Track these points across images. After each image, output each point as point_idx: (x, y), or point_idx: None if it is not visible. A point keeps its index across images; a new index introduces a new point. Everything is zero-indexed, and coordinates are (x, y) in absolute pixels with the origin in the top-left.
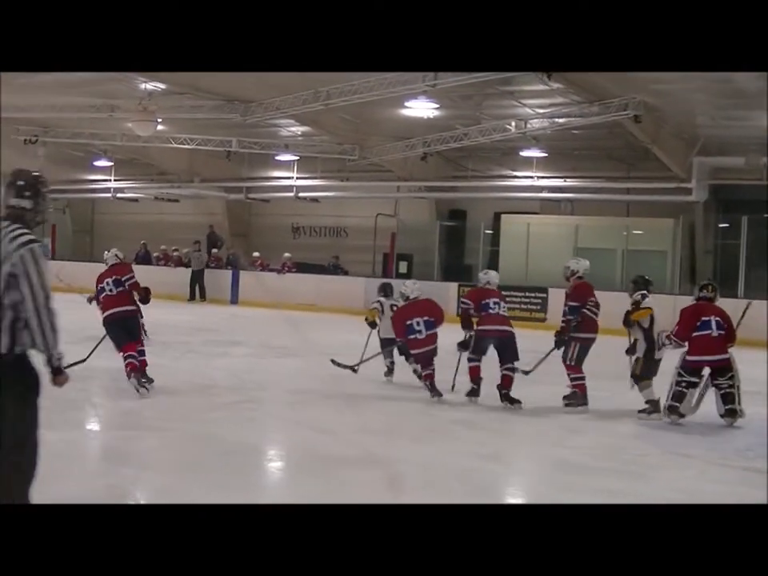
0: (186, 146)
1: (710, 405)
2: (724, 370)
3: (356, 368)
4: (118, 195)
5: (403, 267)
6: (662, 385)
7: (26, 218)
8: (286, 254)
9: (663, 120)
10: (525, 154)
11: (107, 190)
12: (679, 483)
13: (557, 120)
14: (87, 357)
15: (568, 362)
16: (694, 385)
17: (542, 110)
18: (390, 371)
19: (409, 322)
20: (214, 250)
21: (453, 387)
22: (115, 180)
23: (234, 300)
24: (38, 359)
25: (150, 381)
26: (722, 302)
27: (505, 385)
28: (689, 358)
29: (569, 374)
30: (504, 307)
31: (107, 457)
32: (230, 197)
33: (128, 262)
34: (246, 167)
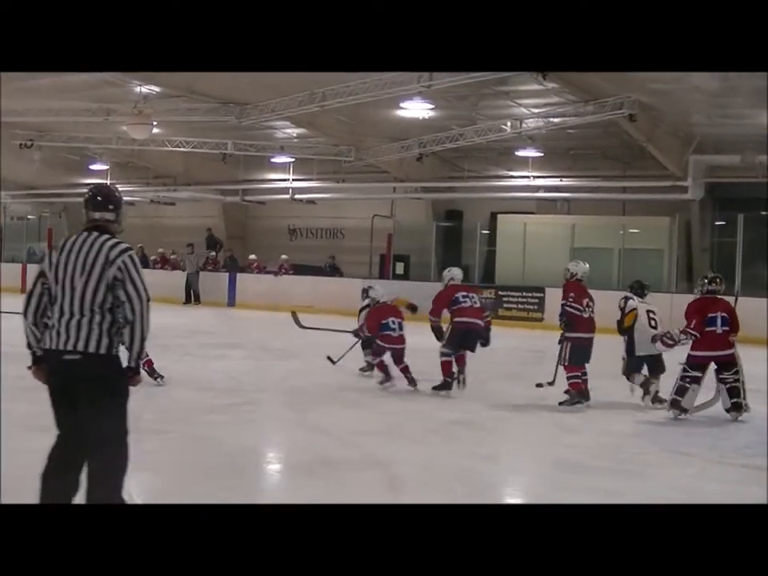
0: (182, 149)
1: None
2: (729, 365)
3: (336, 361)
4: None
5: (400, 268)
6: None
7: (110, 228)
8: (283, 256)
9: (659, 119)
10: (521, 153)
11: None
12: (679, 482)
13: (552, 120)
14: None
15: (562, 362)
16: (698, 380)
17: (537, 110)
18: (369, 368)
19: (384, 321)
20: (212, 253)
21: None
22: (111, 183)
23: (232, 302)
24: None
25: (161, 376)
26: None
27: (460, 364)
28: (694, 353)
29: (566, 373)
30: (475, 299)
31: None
32: (227, 199)
33: None
34: (241, 169)
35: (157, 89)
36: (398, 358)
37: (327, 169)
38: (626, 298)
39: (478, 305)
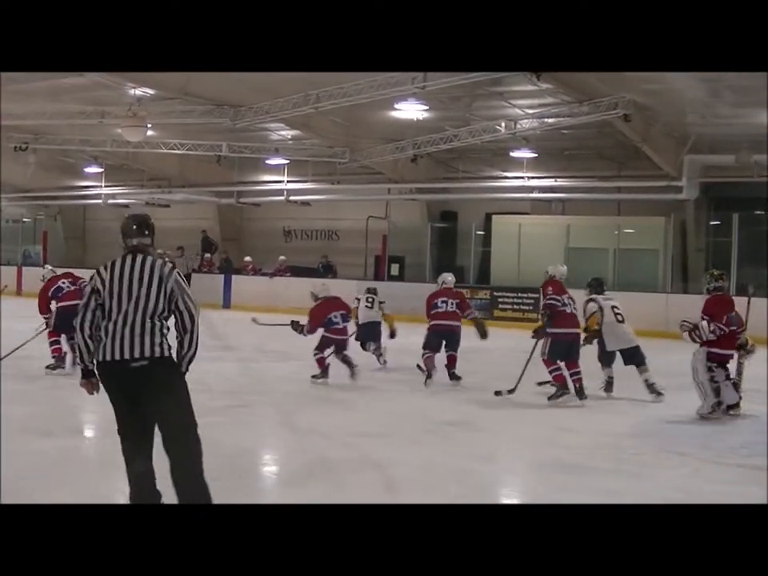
0: (177, 151)
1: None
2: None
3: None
4: (110, 201)
5: (395, 269)
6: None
7: (148, 251)
8: (281, 257)
9: (653, 119)
10: (515, 154)
11: (98, 196)
12: (675, 482)
13: (546, 120)
14: None
15: (542, 356)
16: (728, 376)
17: (531, 111)
18: (379, 358)
19: (329, 316)
20: (207, 255)
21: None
22: (106, 186)
23: (227, 304)
24: None
25: None
26: None
27: (451, 365)
28: (721, 351)
29: (546, 368)
30: (452, 304)
31: (105, 463)
32: (221, 201)
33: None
34: (236, 171)
35: (151, 91)
36: (340, 348)
37: (322, 170)
38: (587, 301)
39: (452, 308)
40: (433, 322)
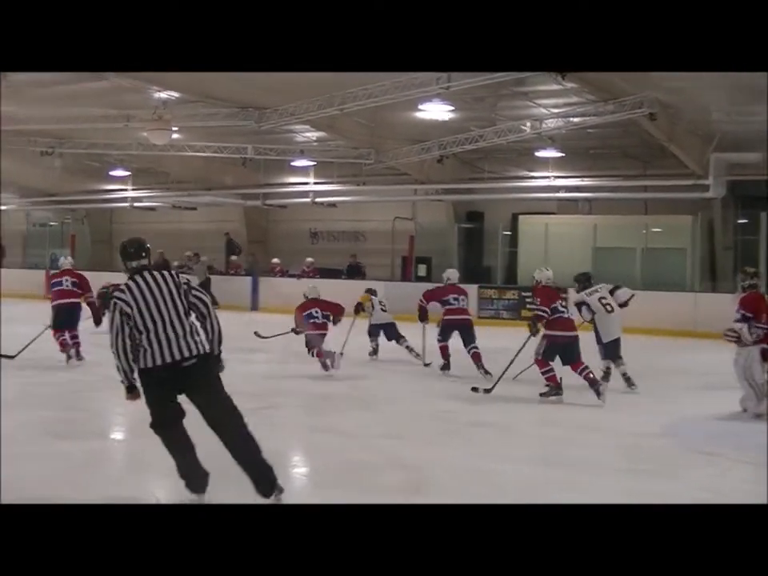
0: (202, 154)
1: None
2: None
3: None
4: (136, 204)
5: (422, 270)
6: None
7: (149, 268)
8: (309, 259)
9: (678, 117)
10: (541, 154)
11: (124, 199)
12: (703, 482)
13: (572, 119)
14: None
15: (535, 356)
16: None
17: (556, 110)
18: (374, 352)
19: (307, 312)
20: (233, 257)
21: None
22: (132, 189)
23: (254, 306)
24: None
25: None
26: None
27: (476, 360)
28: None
29: (539, 368)
30: (463, 300)
31: (132, 465)
32: (247, 203)
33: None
34: (262, 174)
35: (176, 94)
36: (319, 340)
37: (347, 172)
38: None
39: (464, 305)
40: (447, 317)
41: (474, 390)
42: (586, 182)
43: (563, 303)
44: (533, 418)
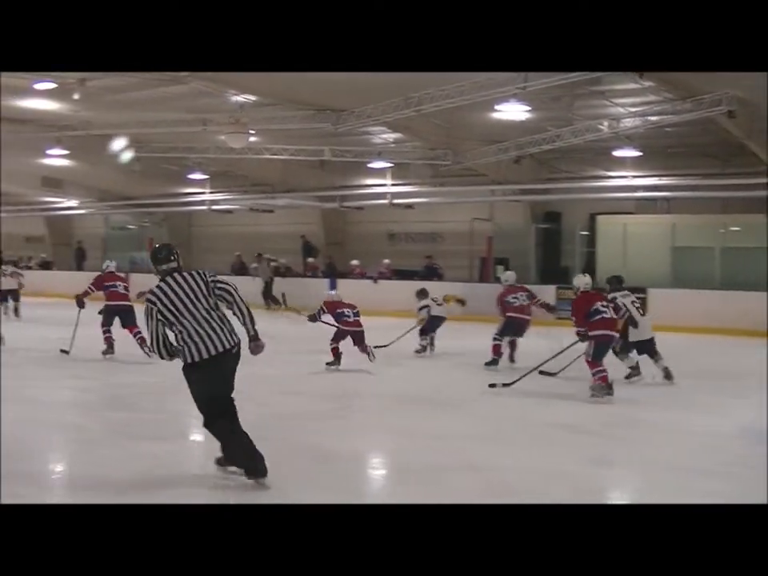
0: (279, 157)
1: None
2: None
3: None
4: (213, 207)
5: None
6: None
7: (179, 270)
8: (385, 261)
9: (757, 114)
10: (618, 153)
11: (202, 202)
12: None
13: (649, 118)
14: None
15: (585, 358)
16: None
17: (634, 109)
18: (423, 349)
19: (339, 311)
20: (310, 259)
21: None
22: (210, 192)
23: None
24: None
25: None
26: None
27: (512, 350)
28: None
29: (590, 369)
30: (523, 297)
31: (205, 467)
32: (325, 206)
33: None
34: (339, 176)
35: (253, 97)
36: (358, 340)
37: (425, 173)
38: (614, 300)
39: (524, 302)
40: (509, 314)
41: (492, 386)
42: (664, 181)
43: (604, 304)
44: (604, 418)
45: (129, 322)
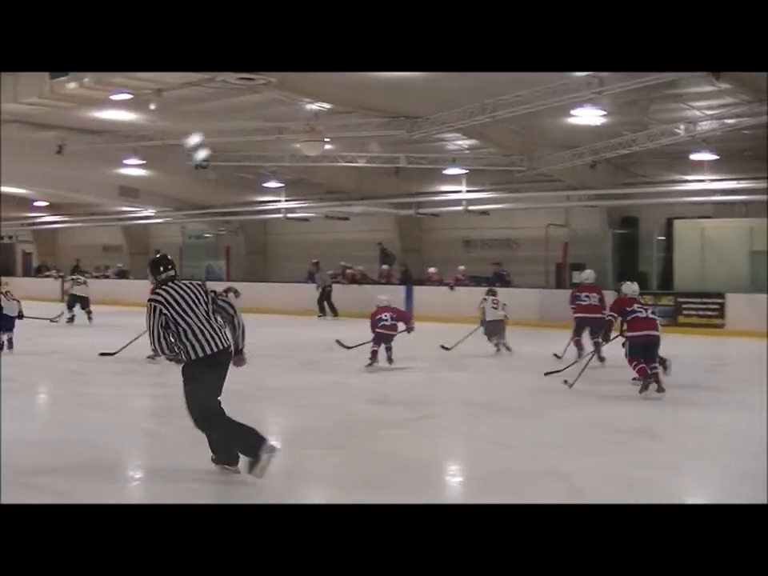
0: (354, 164)
1: None
2: None
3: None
4: (289, 215)
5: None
6: None
7: (176, 278)
8: (461, 267)
9: None
10: (695, 157)
11: (278, 210)
12: None
13: (726, 121)
14: None
15: (625, 357)
16: None
17: (710, 112)
18: (498, 348)
19: (378, 317)
20: (385, 267)
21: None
22: (285, 200)
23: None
24: None
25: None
26: None
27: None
28: None
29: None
30: (595, 298)
31: (287, 475)
32: (400, 213)
33: None
34: (414, 183)
35: (327, 105)
36: (388, 340)
37: (500, 179)
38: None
39: (595, 302)
40: (577, 315)
41: (565, 382)
42: (742, 184)
43: (641, 305)
44: (696, 426)
45: None
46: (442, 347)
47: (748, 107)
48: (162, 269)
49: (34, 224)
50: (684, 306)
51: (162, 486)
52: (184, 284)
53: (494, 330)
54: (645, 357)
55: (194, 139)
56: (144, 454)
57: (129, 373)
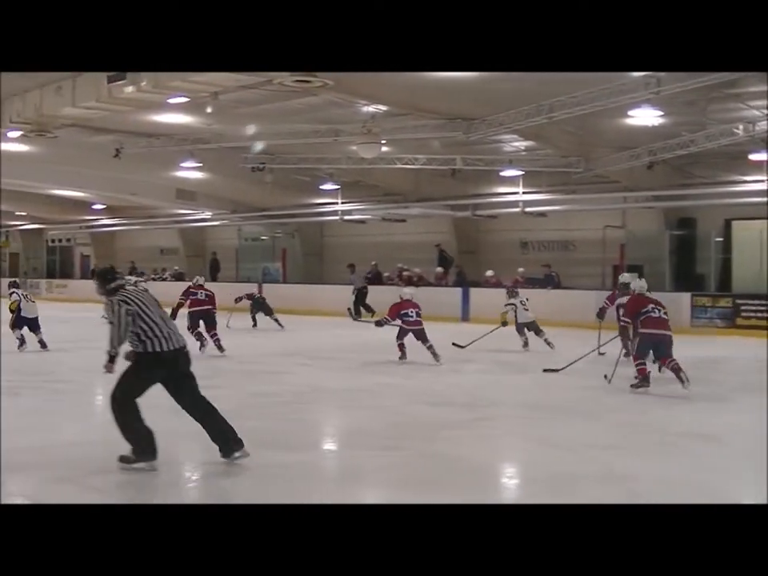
0: (411, 166)
1: None
2: None
3: (464, 345)
4: (346, 218)
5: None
6: None
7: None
8: (520, 269)
9: None
10: (753, 157)
11: (335, 212)
12: None
13: None
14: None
15: (632, 353)
16: None
17: None
18: (526, 344)
19: (404, 311)
20: (439, 269)
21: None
22: (342, 203)
23: (465, 317)
24: None
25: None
26: None
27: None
28: None
29: (633, 362)
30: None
31: (344, 476)
32: (457, 214)
33: None
34: (471, 184)
35: (383, 107)
36: (420, 337)
37: (556, 180)
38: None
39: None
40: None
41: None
42: None
43: (653, 306)
44: (754, 430)
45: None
46: (455, 345)
47: None
48: (110, 279)
49: (91, 227)
50: (742, 307)
51: (217, 486)
52: (138, 289)
53: (531, 329)
54: (657, 356)
55: (251, 129)
56: (199, 455)
57: None
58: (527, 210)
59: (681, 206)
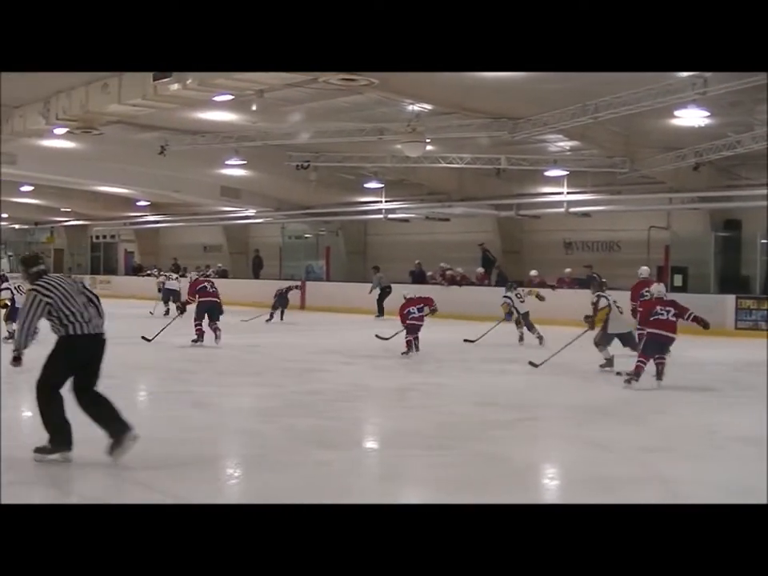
0: (455, 165)
1: None
2: None
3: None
4: (389, 216)
5: (678, 280)
6: None
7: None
8: (567, 270)
9: None
10: None
11: (378, 211)
12: None
13: None
14: None
15: (637, 350)
16: None
17: None
18: (521, 339)
19: (407, 310)
20: (480, 270)
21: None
22: (386, 201)
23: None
24: None
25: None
26: None
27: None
28: None
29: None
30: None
31: (386, 476)
32: (501, 214)
33: None
34: (515, 184)
35: (428, 106)
36: (415, 330)
37: (601, 181)
38: (599, 296)
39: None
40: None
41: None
42: None
43: (663, 307)
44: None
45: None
46: (466, 341)
47: None
48: (32, 264)
49: (136, 223)
50: None
51: (262, 484)
52: (58, 276)
53: (526, 320)
54: (657, 353)
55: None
56: (244, 452)
57: (229, 374)
58: (571, 210)
59: (726, 207)
